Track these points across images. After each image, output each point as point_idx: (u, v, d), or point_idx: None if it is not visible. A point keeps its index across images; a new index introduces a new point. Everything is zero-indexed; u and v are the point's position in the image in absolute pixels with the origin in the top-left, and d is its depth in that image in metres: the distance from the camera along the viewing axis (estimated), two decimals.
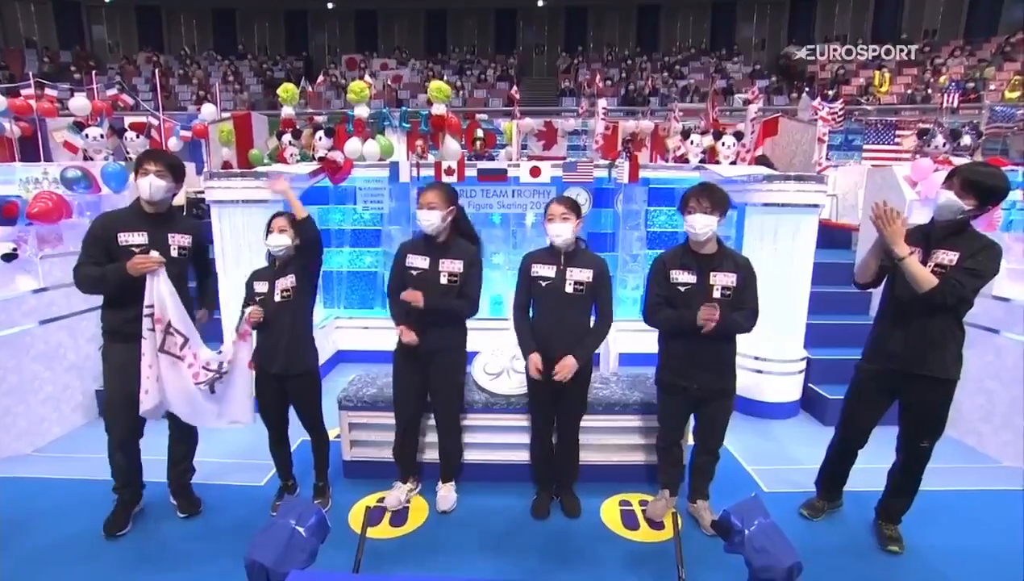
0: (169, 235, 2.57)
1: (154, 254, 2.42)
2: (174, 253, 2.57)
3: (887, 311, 2.52)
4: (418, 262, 2.68)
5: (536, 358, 2.63)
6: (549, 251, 2.69)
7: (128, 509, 2.78)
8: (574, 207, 2.62)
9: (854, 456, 2.79)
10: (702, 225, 2.46)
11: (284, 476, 2.99)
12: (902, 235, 2.29)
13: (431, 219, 2.61)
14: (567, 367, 2.58)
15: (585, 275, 2.62)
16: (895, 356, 2.46)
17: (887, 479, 2.70)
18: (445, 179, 4.50)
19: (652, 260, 2.76)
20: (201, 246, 2.80)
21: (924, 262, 2.32)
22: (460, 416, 3.05)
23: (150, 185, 2.48)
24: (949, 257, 2.30)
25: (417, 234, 2.81)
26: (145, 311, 2.44)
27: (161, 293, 2.43)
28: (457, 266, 2.67)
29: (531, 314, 2.77)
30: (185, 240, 2.63)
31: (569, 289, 2.61)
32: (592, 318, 2.72)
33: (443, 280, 2.66)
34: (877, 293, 2.66)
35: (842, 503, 2.95)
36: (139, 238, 2.49)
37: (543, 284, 2.66)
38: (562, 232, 2.59)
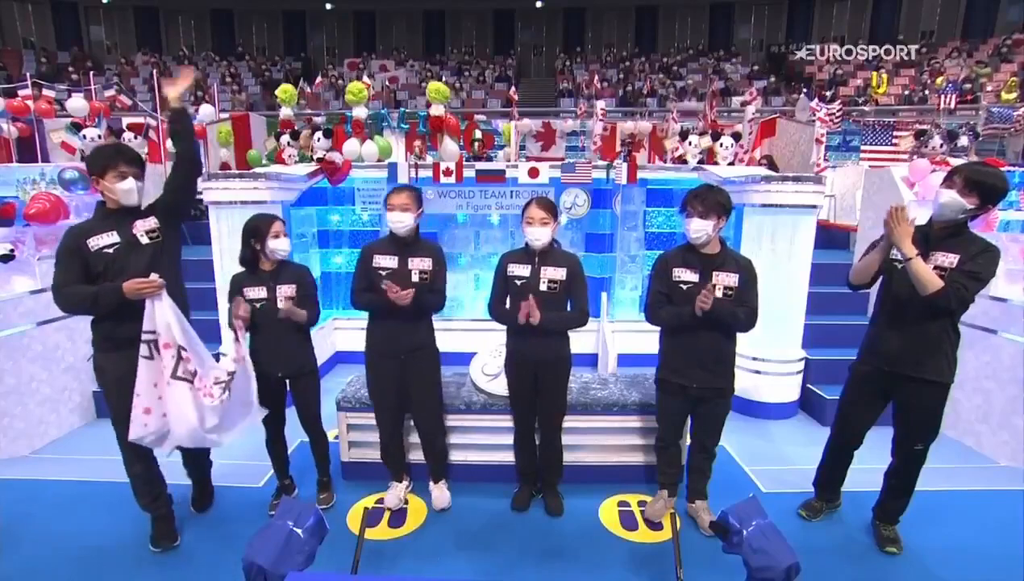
0: (133, 225, 2.41)
1: (154, 277, 2.28)
2: (144, 240, 2.41)
3: (882, 312, 2.53)
4: (386, 262, 2.69)
5: (526, 305, 2.56)
6: (525, 251, 2.74)
7: (170, 523, 2.67)
8: (552, 210, 2.66)
9: (850, 457, 2.80)
10: (695, 229, 2.50)
11: (281, 475, 3.00)
12: (910, 236, 2.28)
13: (405, 221, 2.63)
14: (534, 313, 2.55)
15: (559, 274, 2.66)
16: (889, 357, 2.47)
17: (883, 480, 2.70)
18: (443, 180, 4.51)
19: (651, 260, 2.77)
20: (164, 200, 2.53)
21: None
22: (442, 414, 3.06)
23: (136, 189, 2.39)
24: (949, 259, 2.30)
25: (380, 235, 2.79)
26: (144, 337, 2.30)
27: (166, 317, 2.31)
28: (427, 264, 2.70)
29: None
30: (149, 222, 2.45)
31: (544, 287, 2.66)
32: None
33: (415, 278, 2.67)
34: (874, 293, 2.67)
35: (840, 503, 2.95)
36: (110, 238, 2.35)
37: (518, 283, 2.70)
38: (541, 236, 2.63)
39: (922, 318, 2.35)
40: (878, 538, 2.68)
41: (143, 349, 2.30)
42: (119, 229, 2.37)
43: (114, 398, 2.44)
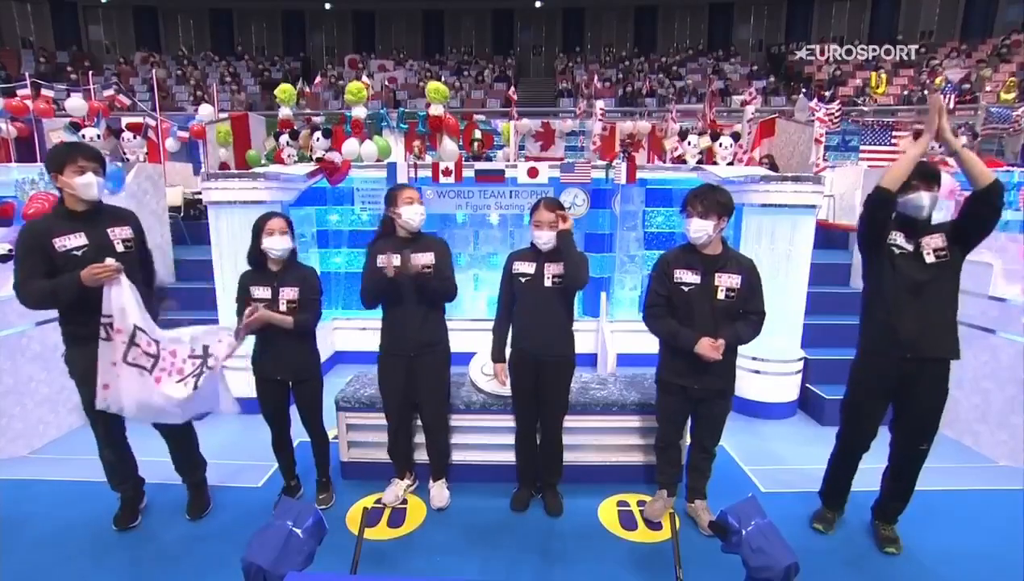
0: (108, 230, 2.42)
1: (110, 261, 2.26)
2: (120, 248, 2.41)
3: (893, 301, 2.44)
4: (395, 261, 2.68)
5: (500, 368, 2.79)
6: (531, 250, 2.76)
7: (134, 504, 2.80)
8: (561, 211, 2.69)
9: (858, 462, 2.73)
10: (695, 229, 2.50)
11: (288, 476, 3.01)
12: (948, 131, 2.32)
13: (423, 212, 2.72)
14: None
15: (561, 268, 2.68)
16: (910, 343, 2.41)
17: (882, 483, 2.69)
18: (443, 180, 4.51)
19: (650, 260, 2.78)
20: (140, 239, 2.59)
21: (917, 251, 2.40)
22: (447, 413, 3.08)
23: (96, 184, 2.34)
24: (940, 236, 2.40)
25: (377, 234, 2.82)
26: (103, 320, 2.31)
27: (121, 301, 2.30)
28: (428, 258, 2.73)
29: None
30: (126, 231, 2.47)
31: (548, 283, 2.69)
32: (571, 311, 2.81)
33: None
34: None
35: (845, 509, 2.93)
36: (78, 240, 2.32)
37: (523, 280, 2.73)
38: (550, 240, 2.66)
39: (936, 296, 2.40)
40: (878, 538, 2.68)
41: (101, 331, 2.33)
42: (88, 231, 2.35)
43: (83, 388, 2.48)
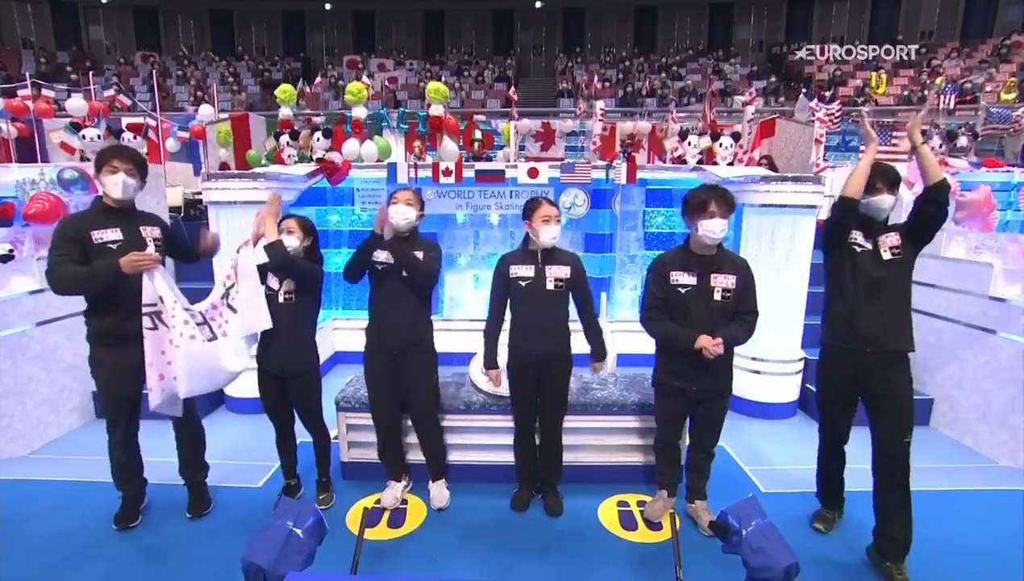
0: (141, 228, 2.58)
1: (151, 252, 2.43)
2: (150, 246, 2.56)
3: (854, 297, 2.50)
4: (383, 257, 2.73)
5: (495, 373, 2.83)
6: (526, 252, 2.76)
7: (135, 505, 2.82)
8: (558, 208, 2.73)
9: (843, 456, 2.76)
10: (719, 229, 2.48)
11: (288, 475, 3.01)
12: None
13: (408, 215, 2.71)
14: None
15: (564, 272, 2.70)
16: (869, 337, 2.47)
17: (876, 509, 2.51)
18: (443, 180, 4.51)
19: (650, 260, 2.79)
20: (173, 235, 2.79)
21: (875, 249, 2.49)
22: (437, 412, 3.08)
23: (123, 185, 2.47)
24: (896, 235, 2.49)
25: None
26: (145, 310, 2.42)
27: (166, 288, 2.43)
28: (418, 257, 2.75)
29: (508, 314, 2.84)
30: (155, 232, 2.63)
31: (550, 286, 2.69)
32: (570, 312, 2.81)
33: (405, 273, 2.75)
34: None
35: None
36: (113, 234, 2.47)
37: (523, 284, 2.72)
38: (557, 234, 2.67)
39: (892, 290, 2.47)
40: None
41: (146, 321, 2.42)
42: (123, 227, 2.50)
43: (113, 387, 2.58)
